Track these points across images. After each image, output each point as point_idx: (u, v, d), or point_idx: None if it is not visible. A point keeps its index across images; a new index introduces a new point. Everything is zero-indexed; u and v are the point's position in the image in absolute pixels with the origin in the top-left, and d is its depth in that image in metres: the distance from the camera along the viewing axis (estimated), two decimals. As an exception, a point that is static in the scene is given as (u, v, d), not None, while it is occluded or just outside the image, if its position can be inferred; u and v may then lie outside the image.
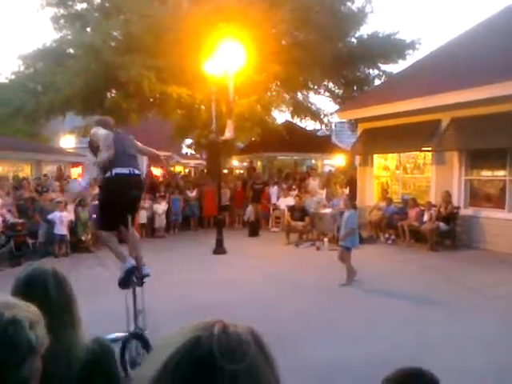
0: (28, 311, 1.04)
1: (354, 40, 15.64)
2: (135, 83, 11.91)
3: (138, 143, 4.26)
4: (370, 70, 16.58)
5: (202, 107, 14.18)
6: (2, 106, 13.99)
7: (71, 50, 14.40)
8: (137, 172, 3.93)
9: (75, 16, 14.89)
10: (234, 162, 24.10)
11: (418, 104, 10.37)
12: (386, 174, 12.77)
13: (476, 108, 9.43)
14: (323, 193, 13.13)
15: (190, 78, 12.31)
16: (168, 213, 12.52)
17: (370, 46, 15.00)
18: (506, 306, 5.84)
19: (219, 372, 0.60)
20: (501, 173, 9.80)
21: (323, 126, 19.29)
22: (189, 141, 21.30)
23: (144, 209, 11.43)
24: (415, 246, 10.16)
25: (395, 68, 22.28)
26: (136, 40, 12.16)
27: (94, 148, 4.03)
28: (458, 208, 10.07)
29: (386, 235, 10.96)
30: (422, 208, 10.29)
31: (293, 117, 18.04)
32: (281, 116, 20.74)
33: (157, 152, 4.68)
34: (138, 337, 3.69)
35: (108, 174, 3.80)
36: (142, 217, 11.52)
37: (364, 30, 18.72)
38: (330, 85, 17.13)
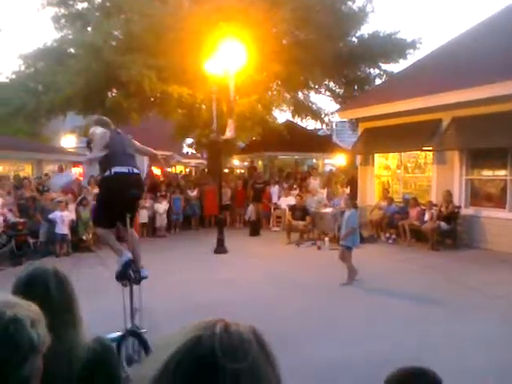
0: (29, 310, 1.03)
1: (354, 39, 15.63)
2: (136, 83, 11.91)
3: (136, 142, 4.27)
4: (371, 70, 16.56)
5: (203, 107, 14.18)
6: (2, 106, 14.00)
7: (72, 50, 14.40)
8: (136, 171, 3.93)
9: (76, 15, 14.91)
10: (235, 161, 24.11)
11: (418, 103, 10.36)
12: (387, 174, 12.77)
13: (477, 107, 9.42)
14: (324, 192, 13.13)
15: (190, 78, 12.31)
16: (169, 212, 12.53)
17: (370, 45, 14.98)
18: (506, 305, 5.83)
19: (221, 371, 0.60)
20: (502, 172, 9.80)
21: (324, 126, 19.26)
22: (190, 140, 21.27)
23: (145, 208, 11.46)
24: (416, 245, 10.15)
25: (396, 67, 22.20)
26: (137, 39, 12.16)
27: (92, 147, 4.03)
28: (459, 207, 10.06)
29: (387, 235, 10.96)
30: (423, 207, 10.28)
31: (294, 116, 18.01)
32: (281, 115, 20.69)
33: (154, 151, 4.68)
34: (135, 334, 3.69)
35: (107, 173, 3.80)
36: (143, 216, 11.54)
37: (365, 30, 18.76)
38: (331, 84, 17.10)
